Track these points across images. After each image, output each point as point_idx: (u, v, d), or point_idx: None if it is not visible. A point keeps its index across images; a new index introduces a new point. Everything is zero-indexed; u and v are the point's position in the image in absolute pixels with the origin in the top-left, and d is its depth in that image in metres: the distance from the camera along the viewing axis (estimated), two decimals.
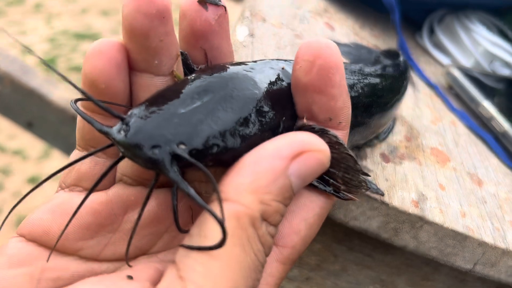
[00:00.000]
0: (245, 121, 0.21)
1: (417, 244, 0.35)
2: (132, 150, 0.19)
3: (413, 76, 0.54)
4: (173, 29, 0.22)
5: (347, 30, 0.56)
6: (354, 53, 0.49)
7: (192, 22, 0.24)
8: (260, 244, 0.20)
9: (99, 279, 0.21)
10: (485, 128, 0.49)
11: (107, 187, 0.24)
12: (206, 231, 0.19)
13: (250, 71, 0.23)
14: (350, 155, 0.24)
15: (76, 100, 0.21)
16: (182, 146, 0.19)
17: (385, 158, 0.37)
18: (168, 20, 0.22)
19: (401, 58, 0.43)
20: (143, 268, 0.22)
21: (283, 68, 0.25)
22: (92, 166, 0.24)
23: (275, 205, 0.20)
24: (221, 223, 0.17)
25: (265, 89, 0.23)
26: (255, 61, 0.25)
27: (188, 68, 0.25)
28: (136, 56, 0.22)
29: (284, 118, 0.23)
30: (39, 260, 0.22)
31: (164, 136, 0.19)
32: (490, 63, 0.60)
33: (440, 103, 0.51)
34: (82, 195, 0.22)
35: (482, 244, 0.34)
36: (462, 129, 0.48)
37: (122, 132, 0.19)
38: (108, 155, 0.24)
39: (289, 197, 0.21)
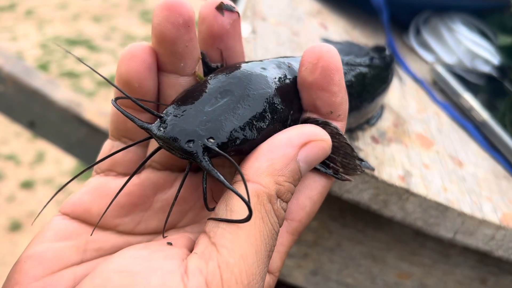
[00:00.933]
0: (261, 116, 0.25)
1: (404, 214, 0.39)
2: (171, 144, 0.23)
3: (400, 72, 0.59)
4: (196, 35, 0.26)
5: (340, 29, 0.60)
6: (346, 49, 0.53)
7: (210, 26, 0.27)
8: (276, 217, 0.24)
9: (144, 246, 0.24)
10: (466, 118, 0.53)
11: (137, 173, 0.27)
12: (232, 206, 0.23)
13: (262, 71, 0.27)
14: (348, 144, 0.28)
15: (116, 99, 0.25)
16: (212, 140, 0.23)
17: (375, 140, 0.41)
18: (192, 28, 0.25)
19: (387, 52, 0.48)
20: (178, 238, 0.25)
21: (289, 66, 0.29)
22: (125, 153, 0.28)
23: (287, 186, 0.24)
24: (247, 203, 0.21)
25: (276, 87, 0.27)
26: (263, 60, 0.29)
27: (207, 66, 0.29)
28: (164, 59, 0.26)
29: (292, 111, 0.28)
30: (83, 234, 0.26)
31: (197, 132, 0.23)
32: (471, 60, 0.65)
33: (425, 96, 0.55)
34: (117, 179, 0.27)
35: (461, 214, 0.39)
36: (445, 119, 0.52)
37: (161, 129, 0.23)
38: (139, 143, 0.27)
39: (298, 179, 0.25)
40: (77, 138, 0.98)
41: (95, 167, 0.28)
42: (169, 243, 0.24)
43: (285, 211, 0.25)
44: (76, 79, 2.38)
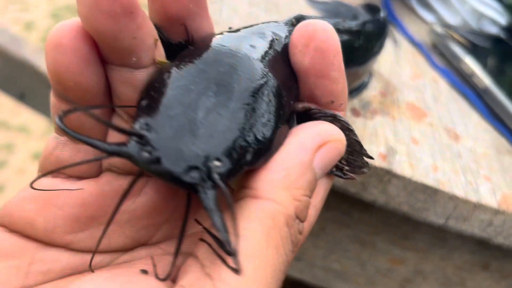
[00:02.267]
0: (268, 117, 0.20)
1: (386, 199, 0.34)
2: (163, 174, 0.17)
3: (397, 34, 0.53)
4: (145, 16, 0.19)
5: None
6: (333, 10, 0.48)
7: (165, 7, 0.21)
8: (292, 245, 0.19)
9: (110, 277, 0.19)
10: (468, 85, 0.48)
11: (92, 176, 0.22)
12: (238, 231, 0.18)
13: (252, 50, 0.21)
14: (357, 141, 0.24)
15: (64, 114, 0.17)
16: (217, 163, 0.17)
17: (355, 112, 0.36)
18: (137, 13, 0.18)
19: (381, 14, 0.42)
20: (153, 261, 0.20)
21: (277, 39, 0.24)
22: (74, 153, 0.21)
23: (305, 200, 0.20)
24: (236, 270, 0.16)
25: (274, 72, 0.21)
26: (239, 30, 0.24)
27: (166, 44, 0.22)
28: (108, 54, 0.19)
29: (292, 101, 0.22)
30: (25, 252, 0.20)
31: (198, 155, 0.17)
32: (478, 21, 0.58)
33: (423, 61, 0.50)
34: (67, 182, 0.21)
35: (453, 197, 0.34)
36: (443, 86, 0.47)
37: (146, 153, 0.17)
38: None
39: (313, 190, 0.20)
40: None
41: (39, 167, 0.23)
42: (144, 271, 0.19)
43: (301, 234, 0.20)
44: None
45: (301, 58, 0.22)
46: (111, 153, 0.17)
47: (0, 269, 0.19)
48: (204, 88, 0.19)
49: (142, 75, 0.20)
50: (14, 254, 0.20)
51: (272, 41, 0.23)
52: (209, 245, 0.18)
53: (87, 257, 0.21)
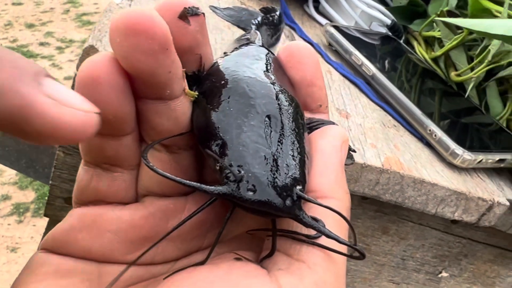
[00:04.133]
0: (304, 133, 0.23)
1: None
2: (267, 207, 0.18)
3: (297, 36, 0.59)
4: (175, 52, 0.20)
5: (234, 0, 0.60)
6: (236, 15, 0.53)
7: (176, 41, 0.21)
8: None
9: (210, 267, 0.20)
10: (358, 74, 0.54)
11: (132, 201, 0.23)
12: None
13: (267, 76, 0.24)
14: None
15: (146, 150, 0.20)
16: (299, 187, 0.20)
17: None
18: (171, 48, 0.19)
19: (277, 13, 0.48)
20: (238, 253, 0.22)
21: (269, 60, 0.27)
22: (111, 182, 0.22)
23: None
24: (361, 252, 0.20)
25: (289, 91, 0.24)
26: (238, 51, 0.27)
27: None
28: (144, 89, 0.20)
29: None
30: (91, 268, 0.22)
31: (288, 185, 0.19)
32: (368, 23, 0.66)
33: (319, 58, 0.56)
34: (111, 208, 0.23)
35: None
36: (336, 76, 0.53)
37: (249, 192, 0.18)
38: (124, 167, 0.22)
39: None
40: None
41: (74, 200, 0.23)
42: (238, 258, 0.21)
43: None
44: None
45: (294, 73, 0.26)
46: (219, 195, 0.19)
47: (73, 283, 0.21)
48: (260, 122, 0.21)
49: (175, 105, 0.21)
50: (80, 270, 0.21)
51: (268, 63, 0.26)
52: (307, 240, 0.20)
53: (149, 268, 0.23)
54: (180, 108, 0.21)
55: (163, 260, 0.23)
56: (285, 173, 0.20)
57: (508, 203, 0.43)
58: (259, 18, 0.46)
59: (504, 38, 0.43)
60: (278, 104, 0.22)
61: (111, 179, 0.22)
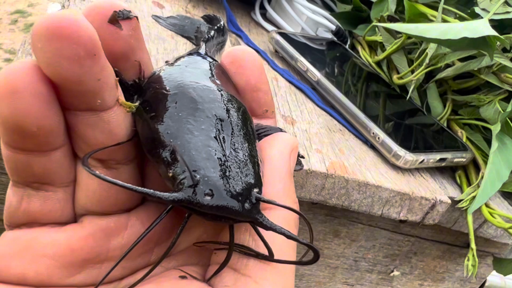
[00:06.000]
0: (254, 137, 0.22)
1: None
2: (223, 209, 0.18)
3: (242, 43, 0.59)
4: (105, 56, 0.18)
5: (178, 8, 0.59)
6: (179, 24, 0.52)
7: (108, 47, 0.20)
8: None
9: (155, 285, 0.20)
10: (304, 80, 0.55)
11: (69, 222, 0.22)
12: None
13: (213, 82, 0.23)
14: None
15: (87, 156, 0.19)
16: (256, 190, 0.19)
17: None
18: (100, 54, 0.18)
19: (221, 22, 0.47)
20: (182, 270, 0.22)
21: (214, 68, 0.26)
22: (43, 202, 0.21)
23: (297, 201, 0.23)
24: (315, 249, 0.19)
25: (235, 96, 0.24)
26: (183, 59, 0.26)
27: (122, 84, 0.22)
28: (72, 99, 0.19)
29: None
30: None
31: (246, 188, 0.19)
32: (315, 29, 0.67)
33: (265, 65, 0.56)
34: (47, 230, 0.21)
35: None
36: (283, 83, 0.53)
37: (207, 196, 0.18)
38: (57, 185, 0.21)
39: None
40: None
41: (4, 221, 0.22)
42: (183, 277, 0.20)
43: None
44: None
45: (238, 78, 0.25)
46: (172, 202, 0.18)
47: None
48: (211, 126, 0.20)
49: (108, 117, 0.20)
50: None
51: (212, 69, 0.26)
52: (248, 252, 0.20)
53: None
54: (115, 120, 0.20)
55: (107, 280, 0.22)
56: (242, 176, 0.19)
57: (449, 201, 0.45)
58: (210, 32, 0.45)
59: (439, 41, 0.45)
60: (227, 108, 0.22)
61: (43, 199, 0.21)
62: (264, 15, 0.70)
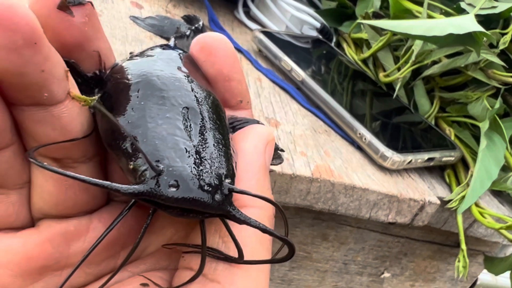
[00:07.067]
0: (226, 127, 0.21)
1: None
2: (190, 202, 0.16)
3: None
4: (51, 46, 0.17)
5: (158, 8, 0.58)
6: (158, 24, 0.51)
7: (59, 36, 0.18)
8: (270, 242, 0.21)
9: None
10: (288, 80, 0.53)
11: (26, 226, 0.21)
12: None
13: (183, 72, 0.22)
14: None
15: (35, 149, 0.17)
16: (228, 180, 0.18)
17: None
18: (42, 42, 0.16)
19: (201, 23, 0.46)
20: (145, 277, 0.20)
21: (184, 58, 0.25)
22: (6, 207, 0.20)
23: (272, 196, 0.21)
24: (291, 244, 0.18)
25: (207, 87, 0.22)
26: (146, 53, 0.24)
27: (80, 76, 0.20)
28: (15, 94, 0.17)
29: None
30: None
31: (216, 178, 0.17)
32: (300, 27, 0.66)
33: (248, 65, 0.55)
34: (4, 236, 0.19)
35: (271, 174, 0.38)
36: (266, 83, 0.52)
37: (172, 188, 0.16)
38: (9, 187, 0.20)
39: None
40: None
41: None
42: (144, 284, 0.19)
43: None
44: None
45: (208, 67, 0.23)
46: (132, 195, 0.16)
47: None
48: (177, 114, 0.19)
49: (58, 112, 0.18)
50: None
51: (180, 58, 0.24)
52: (216, 254, 0.19)
53: None
54: (66, 115, 0.18)
55: (69, 287, 0.21)
56: (211, 166, 0.17)
57: (438, 202, 0.43)
58: (187, 31, 0.44)
59: (425, 38, 0.44)
60: (195, 96, 0.20)
61: (7, 204, 0.19)
62: (247, 13, 0.68)
